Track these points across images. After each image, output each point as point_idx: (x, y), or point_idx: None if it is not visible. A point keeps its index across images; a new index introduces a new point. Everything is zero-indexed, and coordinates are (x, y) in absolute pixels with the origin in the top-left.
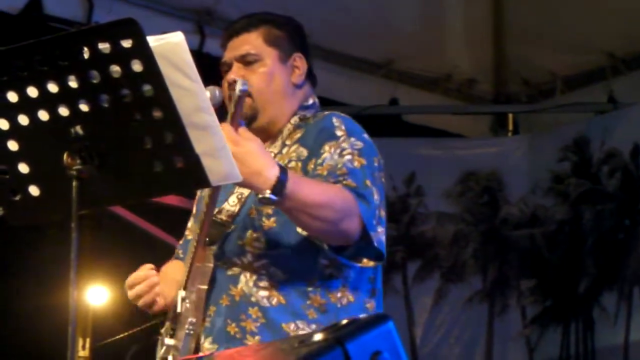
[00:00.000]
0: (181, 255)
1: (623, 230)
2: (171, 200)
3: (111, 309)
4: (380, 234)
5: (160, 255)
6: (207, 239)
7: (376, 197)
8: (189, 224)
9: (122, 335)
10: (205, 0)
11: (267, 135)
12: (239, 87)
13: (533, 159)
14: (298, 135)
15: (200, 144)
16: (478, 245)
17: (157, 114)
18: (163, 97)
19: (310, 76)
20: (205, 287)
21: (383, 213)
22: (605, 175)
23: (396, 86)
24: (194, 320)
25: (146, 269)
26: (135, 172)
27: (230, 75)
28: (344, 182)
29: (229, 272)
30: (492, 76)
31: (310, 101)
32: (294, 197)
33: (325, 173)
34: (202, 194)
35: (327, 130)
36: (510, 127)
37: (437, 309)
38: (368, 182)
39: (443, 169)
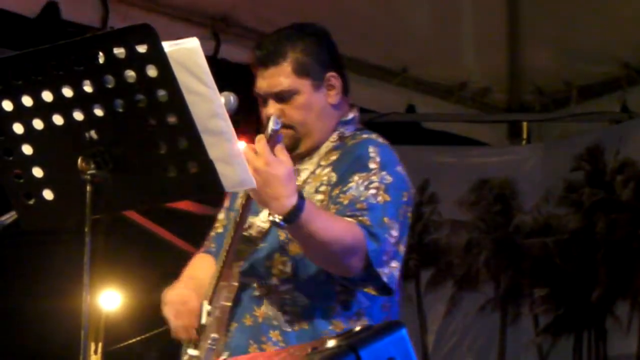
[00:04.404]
0: (213, 248)
1: (636, 239)
2: (184, 205)
3: (123, 314)
4: (393, 269)
5: (173, 261)
6: (236, 254)
7: (394, 233)
8: (220, 216)
9: (134, 340)
10: (221, 7)
11: (307, 152)
12: (271, 126)
13: (547, 167)
14: (334, 157)
15: (214, 150)
16: (491, 254)
17: (171, 119)
18: (178, 102)
19: (345, 85)
20: (229, 304)
21: (402, 248)
22: (619, 184)
23: (411, 94)
24: (216, 336)
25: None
26: (149, 177)
27: (269, 111)
28: (360, 217)
29: (255, 293)
30: (506, 85)
31: (350, 115)
32: (303, 228)
33: (345, 202)
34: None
35: (362, 160)
36: (525, 135)
37: (450, 316)
38: (386, 220)
39: (457, 177)
